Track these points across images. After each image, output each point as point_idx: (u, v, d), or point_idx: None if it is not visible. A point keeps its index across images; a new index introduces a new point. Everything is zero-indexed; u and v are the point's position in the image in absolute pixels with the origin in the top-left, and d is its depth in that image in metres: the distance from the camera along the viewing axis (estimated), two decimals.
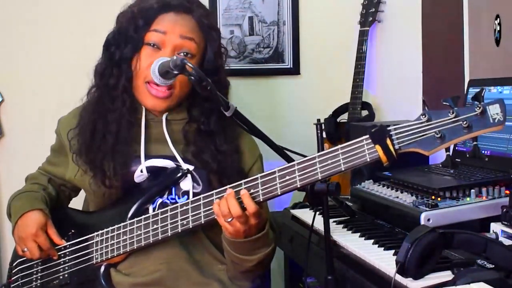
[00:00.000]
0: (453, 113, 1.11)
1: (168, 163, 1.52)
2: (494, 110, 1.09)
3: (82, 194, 1.70)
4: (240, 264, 1.47)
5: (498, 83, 1.64)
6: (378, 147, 1.15)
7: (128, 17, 1.52)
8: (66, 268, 1.52)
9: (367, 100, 2.52)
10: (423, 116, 1.14)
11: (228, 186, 1.34)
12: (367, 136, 1.17)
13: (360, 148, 1.18)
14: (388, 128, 1.15)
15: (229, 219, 1.32)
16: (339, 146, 1.20)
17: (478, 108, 1.09)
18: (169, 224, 1.40)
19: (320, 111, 2.36)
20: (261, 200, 1.30)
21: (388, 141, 1.14)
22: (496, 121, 1.09)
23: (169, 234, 1.40)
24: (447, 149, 1.15)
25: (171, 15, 1.50)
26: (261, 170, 1.61)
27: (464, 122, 1.10)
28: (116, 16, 1.58)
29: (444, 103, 1.13)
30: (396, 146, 1.15)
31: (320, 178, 1.22)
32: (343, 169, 1.20)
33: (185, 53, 1.50)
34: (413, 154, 1.78)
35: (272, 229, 1.53)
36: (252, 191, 1.30)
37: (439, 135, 1.11)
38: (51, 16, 2.48)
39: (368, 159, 1.17)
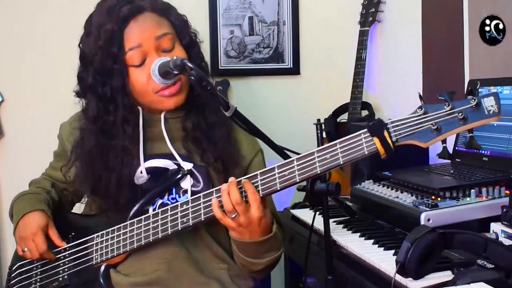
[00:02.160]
0: (448, 105, 1.13)
1: (167, 163, 1.51)
2: (489, 102, 1.11)
3: None
4: (248, 267, 1.48)
5: (498, 83, 1.64)
6: (376, 140, 1.17)
7: (100, 54, 1.45)
8: (66, 269, 1.52)
9: (367, 100, 2.52)
10: (420, 109, 1.15)
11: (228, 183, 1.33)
12: (365, 129, 1.19)
13: (358, 142, 1.19)
14: (386, 121, 1.17)
15: (234, 215, 1.32)
16: (338, 140, 1.22)
17: (473, 100, 1.11)
18: (169, 222, 1.40)
19: (320, 111, 2.36)
20: (261, 195, 1.31)
21: (386, 134, 1.16)
22: (491, 112, 1.11)
23: (169, 232, 1.40)
24: (444, 141, 1.16)
25: (132, 25, 1.45)
26: (262, 164, 1.61)
27: (460, 114, 1.12)
28: (80, 54, 1.52)
29: (440, 97, 1.15)
30: (394, 139, 1.16)
31: (319, 172, 1.23)
32: (341, 162, 1.21)
33: (166, 50, 1.47)
34: (413, 154, 1.79)
35: (281, 227, 1.54)
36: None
37: (435, 127, 1.13)
38: (51, 16, 2.48)
39: (366, 152, 1.18)
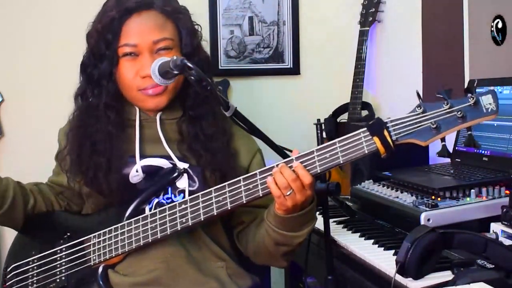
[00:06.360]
0: (447, 104, 1.14)
1: (164, 162, 1.51)
2: (487, 100, 1.13)
3: None
4: (287, 244, 1.42)
5: (498, 83, 1.64)
6: (376, 139, 1.18)
7: (96, 37, 1.51)
8: (63, 271, 1.51)
9: (367, 100, 2.52)
10: (419, 108, 1.16)
11: (227, 182, 1.32)
12: (365, 129, 1.19)
13: (358, 141, 1.20)
14: (385, 120, 1.18)
15: (289, 192, 1.28)
16: (337, 139, 1.22)
17: (471, 98, 1.12)
18: (168, 223, 1.39)
19: (320, 111, 2.36)
20: (260, 195, 1.30)
21: (386, 133, 1.17)
22: (489, 110, 1.13)
23: (168, 233, 1.40)
24: (443, 139, 1.18)
25: (135, 19, 1.49)
26: (261, 163, 1.60)
27: (459, 113, 1.13)
28: (86, 35, 1.56)
29: (438, 95, 1.16)
30: (394, 138, 1.17)
31: (319, 171, 1.23)
32: (341, 161, 1.21)
33: (164, 48, 1.50)
34: (413, 154, 1.79)
35: None
36: (251, 186, 1.30)
37: (434, 126, 1.14)
38: (51, 16, 2.48)
39: (366, 151, 1.19)
